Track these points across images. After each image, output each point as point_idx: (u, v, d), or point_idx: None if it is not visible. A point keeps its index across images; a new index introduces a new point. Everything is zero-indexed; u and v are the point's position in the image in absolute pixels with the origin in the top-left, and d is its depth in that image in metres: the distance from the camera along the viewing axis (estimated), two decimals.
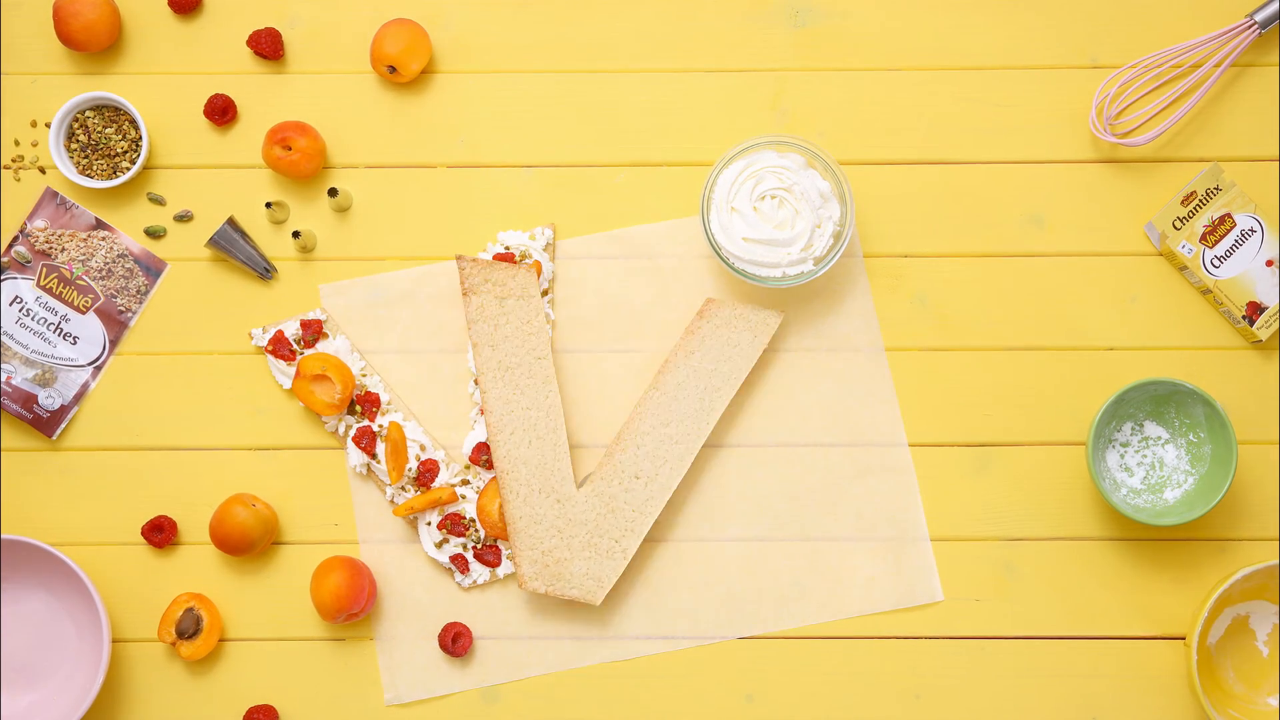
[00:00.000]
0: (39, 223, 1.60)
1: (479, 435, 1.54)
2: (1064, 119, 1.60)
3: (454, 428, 1.58)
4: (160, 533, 1.57)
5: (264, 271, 1.59)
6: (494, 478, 1.54)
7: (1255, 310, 1.56)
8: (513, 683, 1.57)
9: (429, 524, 1.55)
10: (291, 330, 1.56)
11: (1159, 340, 1.59)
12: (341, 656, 1.58)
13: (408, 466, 1.54)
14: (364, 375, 1.57)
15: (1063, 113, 1.60)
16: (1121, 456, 1.57)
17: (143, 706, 1.58)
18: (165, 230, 1.60)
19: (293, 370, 1.55)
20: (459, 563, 1.55)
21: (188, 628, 1.54)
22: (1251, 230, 1.57)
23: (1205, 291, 1.58)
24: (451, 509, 1.55)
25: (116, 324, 1.60)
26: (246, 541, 1.54)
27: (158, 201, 1.60)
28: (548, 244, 1.57)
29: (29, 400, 1.58)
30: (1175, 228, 1.57)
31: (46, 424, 1.59)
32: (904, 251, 1.60)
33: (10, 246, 1.59)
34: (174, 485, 1.59)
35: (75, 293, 1.59)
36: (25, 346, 1.59)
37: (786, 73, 1.60)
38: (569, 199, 1.60)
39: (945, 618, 1.57)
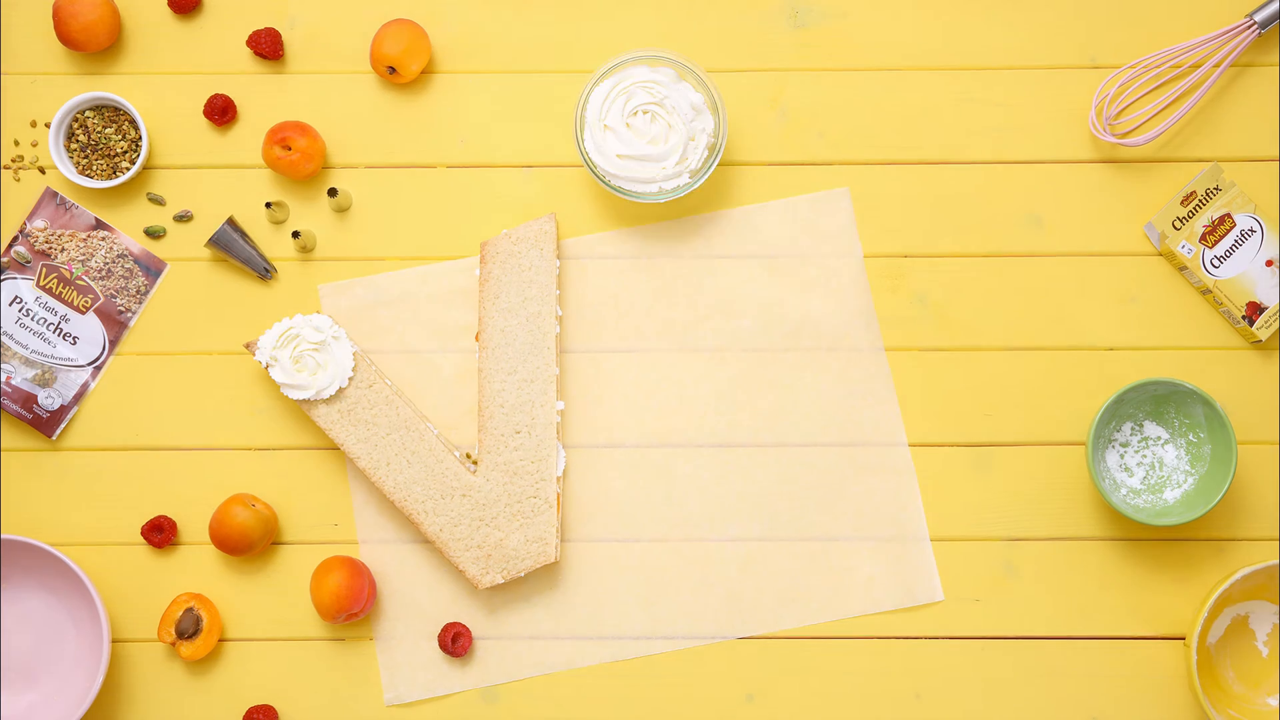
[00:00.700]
0: (39, 223, 1.60)
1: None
2: (1064, 119, 1.60)
3: (454, 427, 1.58)
4: (160, 533, 1.57)
5: (264, 271, 1.59)
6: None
7: (1255, 310, 1.56)
8: (513, 683, 1.58)
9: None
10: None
11: (1159, 340, 1.59)
12: (341, 656, 1.58)
13: None
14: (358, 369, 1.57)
15: (1063, 113, 1.60)
16: (1121, 456, 1.57)
17: (143, 706, 1.58)
18: (165, 230, 1.60)
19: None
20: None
21: (188, 628, 1.54)
22: (1251, 230, 1.57)
23: (1205, 291, 1.58)
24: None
25: (116, 324, 1.60)
26: (246, 541, 1.54)
27: (157, 201, 1.60)
28: (550, 238, 1.57)
29: (29, 400, 1.58)
30: (1175, 228, 1.57)
31: (46, 424, 1.59)
32: (904, 251, 1.60)
33: (10, 246, 1.59)
34: (174, 485, 1.59)
35: (75, 293, 1.59)
36: (25, 346, 1.59)
37: (786, 73, 1.60)
38: (569, 199, 1.60)
39: (945, 618, 1.57)
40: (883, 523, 1.57)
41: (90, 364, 1.59)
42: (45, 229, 1.59)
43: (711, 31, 1.61)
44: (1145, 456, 1.57)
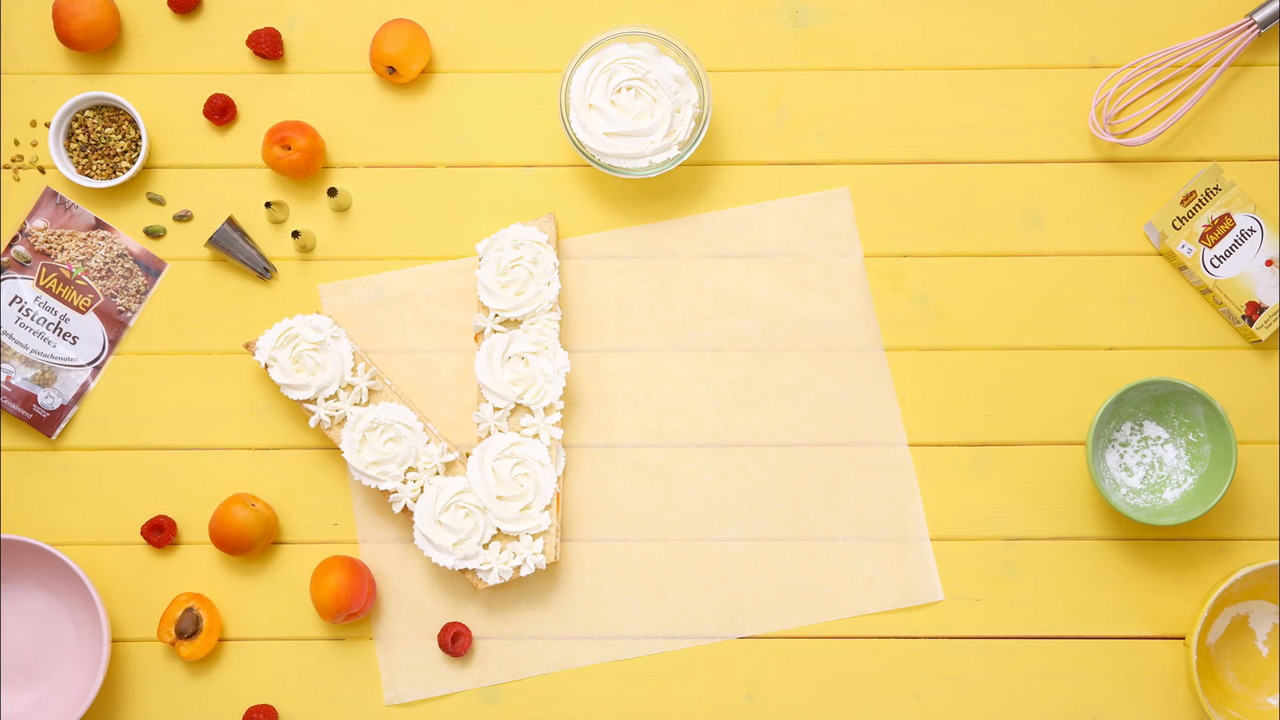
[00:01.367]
0: (39, 222, 1.60)
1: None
2: (1064, 119, 1.60)
3: (455, 427, 1.58)
4: (160, 532, 1.57)
5: (264, 271, 1.59)
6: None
7: (1255, 310, 1.56)
8: (513, 683, 1.57)
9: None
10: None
11: (1159, 340, 1.59)
12: (341, 656, 1.58)
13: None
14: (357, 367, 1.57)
15: (1062, 112, 1.60)
16: (1121, 456, 1.57)
17: (143, 706, 1.58)
18: (165, 230, 1.60)
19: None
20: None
21: (187, 628, 1.54)
22: (1251, 230, 1.57)
23: (1205, 291, 1.58)
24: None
25: (116, 324, 1.59)
26: (246, 541, 1.54)
27: (157, 201, 1.60)
28: (550, 238, 1.57)
29: (29, 400, 1.58)
30: (1175, 227, 1.57)
31: (46, 424, 1.59)
32: (904, 251, 1.60)
33: (10, 246, 1.59)
34: (174, 485, 1.59)
35: (75, 292, 1.59)
36: (25, 346, 1.58)
37: (786, 73, 1.60)
38: (568, 199, 1.60)
39: (945, 618, 1.57)
40: (883, 522, 1.57)
41: (90, 364, 1.59)
42: (45, 229, 1.59)
43: (711, 32, 1.61)
44: (1145, 456, 1.57)
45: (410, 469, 1.54)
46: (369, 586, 1.54)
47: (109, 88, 1.61)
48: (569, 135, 1.54)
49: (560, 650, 1.57)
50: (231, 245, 1.58)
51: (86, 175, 1.59)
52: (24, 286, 1.59)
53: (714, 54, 1.61)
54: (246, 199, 1.61)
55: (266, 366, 1.53)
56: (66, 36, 1.57)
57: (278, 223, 1.61)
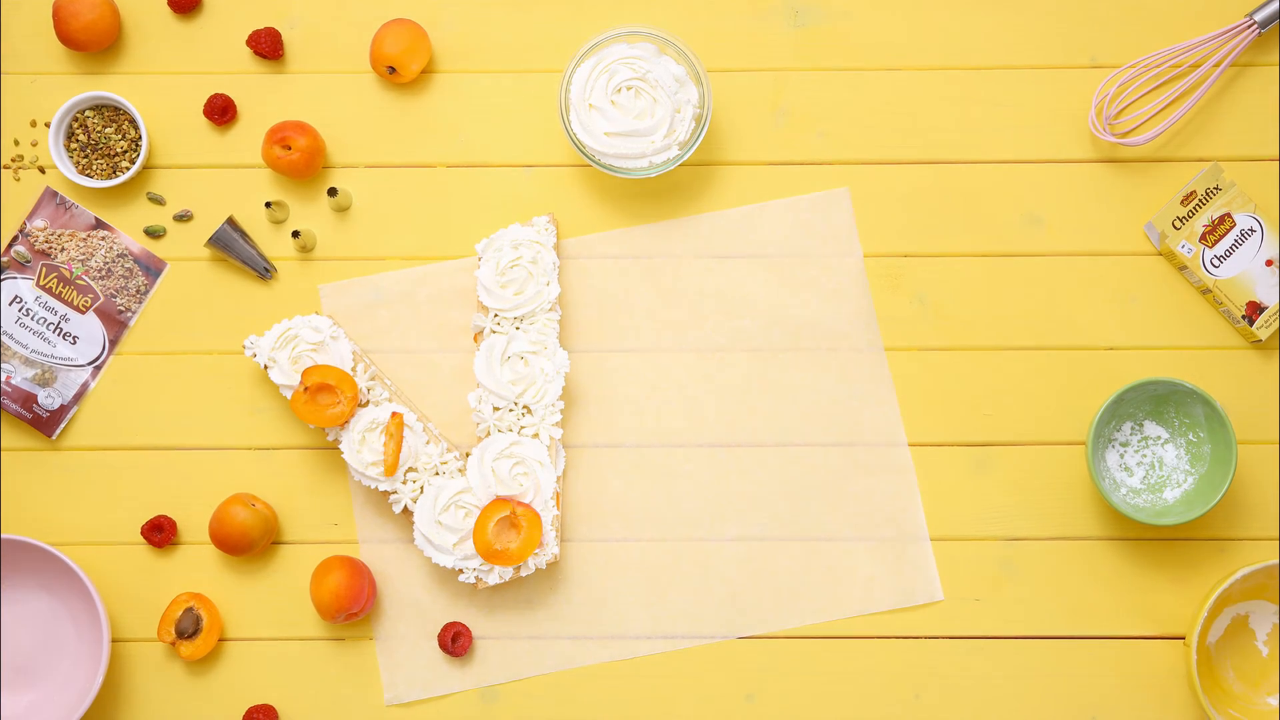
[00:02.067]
0: (39, 222, 1.60)
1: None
2: (1064, 119, 1.60)
3: (455, 427, 1.58)
4: (160, 532, 1.57)
5: (264, 271, 1.59)
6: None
7: (1255, 310, 1.56)
8: (513, 683, 1.58)
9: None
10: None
11: (1159, 340, 1.59)
12: (341, 656, 1.58)
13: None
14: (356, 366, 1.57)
15: (1062, 112, 1.60)
16: (1121, 456, 1.57)
17: (143, 706, 1.58)
18: (165, 230, 1.60)
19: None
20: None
21: (187, 628, 1.54)
22: (1251, 230, 1.57)
23: (1205, 291, 1.58)
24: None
25: (116, 324, 1.60)
26: (246, 541, 1.54)
27: (157, 201, 1.60)
28: (553, 241, 1.57)
29: (29, 400, 1.58)
30: (1175, 227, 1.57)
31: (46, 424, 1.59)
32: (904, 251, 1.60)
33: (10, 246, 1.59)
34: (174, 485, 1.59)
35: (75, 292, 1.59)
36: (25, 346, 1.59)
37: (786, 73, 1.60)
38: (569, 199, 1.60)
39: (945, 618, 1.57)
40: (882, 522, 1.57)
41: (90, 364, 1.59)
42: (45, 229, 1.59)
43: (711, 32, 1.61)
44: (1145, 456, 1.57)
45: (410, 469, 1.54)
46: (369, 586, 1.54)
47: (109, 88, 1.61)
48: (569, 135, 1.54)
49: (560, 650, 1.57)
50: (231, 245, 1.58)
51: (86, 175, 1.59)
52: (24, 286, 1.59)
53: (714, 54, 1.61)
54: (246, 199, 1.61)
55: (266, 367, 1.53)
56: (66, 36, 1.57)
57: (278, 223, 1.61)
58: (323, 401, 1.53)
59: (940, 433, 1.58)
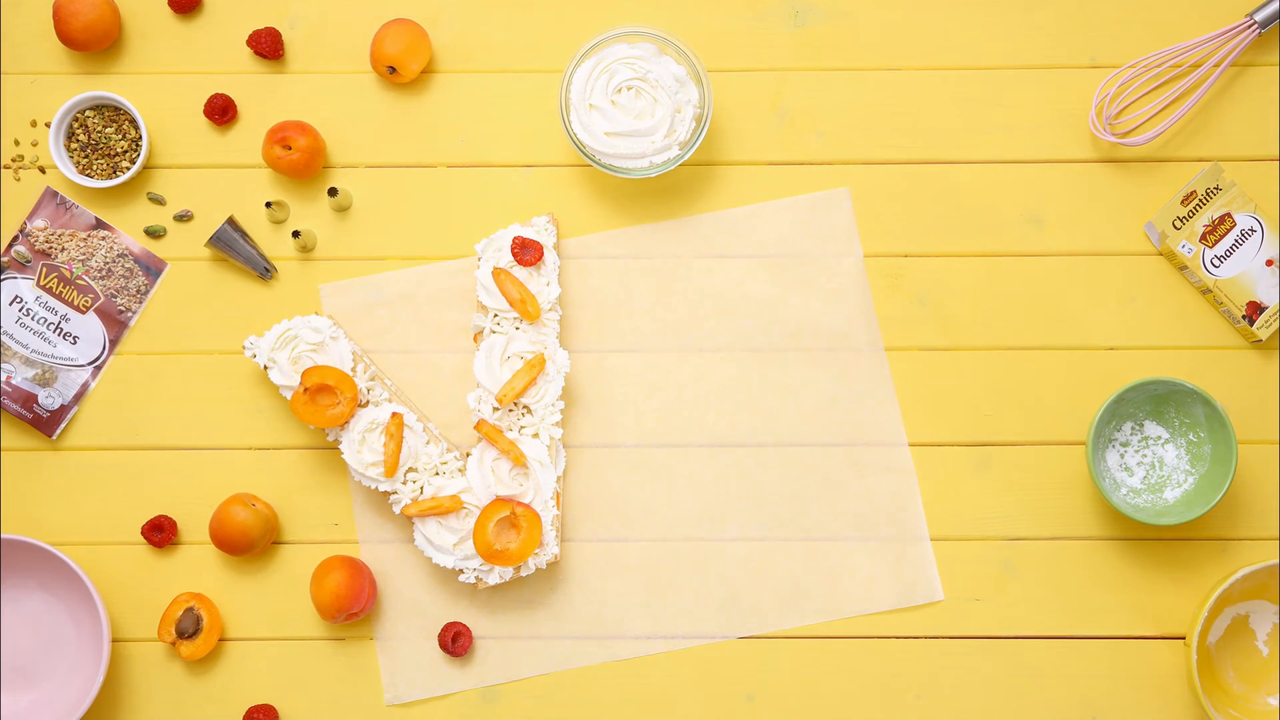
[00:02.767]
0: (39, 222, 1.60)
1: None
2: (1064, 119, 1.60)
3: (455, 427, 1.58)
4: (160, 532, 1.57)
5: (264, 271, 1.59)
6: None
7: (1255, 310, 1.56)
8: (513, 683, 1.58)
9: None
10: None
11: (1159, 340, 1.59)
12: (341, 656, 1.58)
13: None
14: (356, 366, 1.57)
15: (1063, 112, 1.60)
16: (1121, 456, 1.57)
17: (143, 706, 1.58)
18: (165, 230, 1.60)
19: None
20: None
21: (188, 628, 1.54)
22: (1251, 230, 1.57)
23: (1205, 291, 1.58)
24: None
25: (116, 324, 1.60)
26: (246, 541, 1.54)
27: (158, 201, 1.61)
28: (554, 241, 1.57)
29: (29, 400, 1.58)
30: (1175, 227, 1.57)
31: (46, 424, 1.59)
32: (904, 251, 1.60)
33: (10, 246, 1.59)
34: (174, 485, 1.59)
35: (75, 292, 1.59)
36: (25, 346, 1.59)
37: (786, 73, 1.60)
38: (569, 199, 1.60)
39: (945, 618, 1.57)
40: (883, 522, 1.57)
41: (90, 364, 1.59)
42: (45, 229, 1.59)
43: (711, 32, 1.61)
44: (1145, 456, 1.57)
45: (410, 469, 1.54)
46: (369, 586, 1.54)
47: (109, 88, 1.61)
48: (569, 135, 1.54)
49: (560, 650, 1.57)
50: (232, 245, 1.58)
51: (87, 175, 1.59)
52: (24, 286, 1.59)
53: (714, 54, 1.61)
54: (246, 199, 1.61)
55: (266, 368, 1.53)
56: (66, 36, 1.57)
57: (278, 223, 1.61)
58: (322, 402, 1.53)
59: (940, 433, 1.58)
